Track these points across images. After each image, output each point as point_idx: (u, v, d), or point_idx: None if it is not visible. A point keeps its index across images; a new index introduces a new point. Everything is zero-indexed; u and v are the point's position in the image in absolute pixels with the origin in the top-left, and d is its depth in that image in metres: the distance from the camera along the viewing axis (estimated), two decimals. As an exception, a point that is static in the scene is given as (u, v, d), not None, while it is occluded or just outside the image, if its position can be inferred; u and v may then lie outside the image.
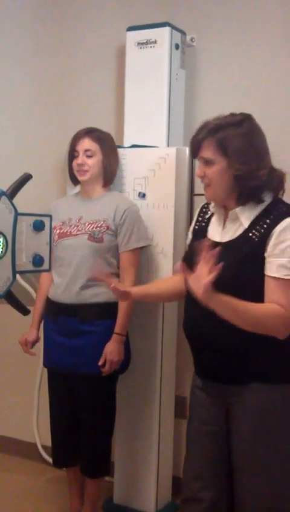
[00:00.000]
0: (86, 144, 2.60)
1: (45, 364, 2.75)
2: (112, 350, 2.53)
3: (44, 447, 3.39)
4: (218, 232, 2.01)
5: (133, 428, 2.90)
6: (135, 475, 2.91)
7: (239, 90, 2.81)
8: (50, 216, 1.94)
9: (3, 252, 1.79)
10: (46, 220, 1.93)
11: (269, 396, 1.94)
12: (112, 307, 2.56)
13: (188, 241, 2.21)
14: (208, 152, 1.93)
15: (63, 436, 2.74)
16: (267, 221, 1.91)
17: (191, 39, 2.84)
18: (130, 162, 2.76)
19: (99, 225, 2.55)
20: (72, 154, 2.64)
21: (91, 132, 2.62)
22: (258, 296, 1.89)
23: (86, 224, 2.58)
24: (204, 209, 2.15)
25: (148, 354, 2.83)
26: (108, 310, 2.57)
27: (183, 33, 2.78)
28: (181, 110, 2.82)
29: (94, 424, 2.65)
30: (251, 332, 1.85)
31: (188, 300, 2.02)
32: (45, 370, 2.80)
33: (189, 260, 1.87)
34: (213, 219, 2.07)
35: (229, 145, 1.90)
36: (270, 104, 2.75)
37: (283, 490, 1.96)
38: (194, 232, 2.15)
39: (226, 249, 1.90)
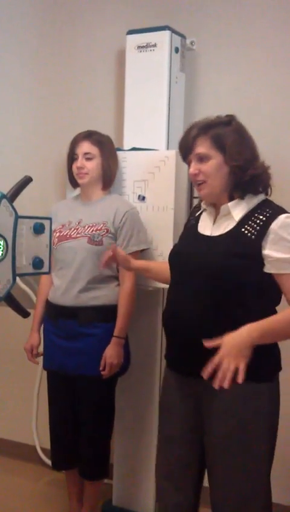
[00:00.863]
0: (86, 147, 2.60)
1: (45, 367, 2.75)
2: (111, 353, 2.54)
3: (43, 450, 3.40)
4: (209, 227, 2.04)
5: (132, 431, 2.91)
6: (133, 477, 2.91)
7: (239, 93, 2.81)
8: (50, 219, 1.95)
9: (3, 254, 1.79)
10: (46, 223, 1.94)
11: (246, 393, 1.94)
12: (112, 310, 2.57)
13: None
14: (203, 148, 1.96)
15: (62, 439, 2.75)
16: (261, 217, 1.92)
17: (191, 43, 2.85)
18: (130, 165, 2.76)
19: (98, 228, 2.56)
20: (72, 158, 2.65)
21: (90, 135, 2.63)
22: (256, 293, 1.92)
23: (86, 227, 2.58)
24: (195, 209, 2.18)
25: (148, 356, 2.83)
26: (107, 313, 2.57)
27: (183, 37, 2.79)
28: (181, 113, 2.83)
29: (93, 426, 2.65)
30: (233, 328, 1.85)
31: (173, 289, 2.08)
32: (44, 372, 2.81)
33: None
34: (203, 215, 2.10)
35: (224, 139, 1.94)
36: (270, 107, 2.76)
37: (254, 487, 1.97)
38: (184, 229, 2.21)
39: (216, 243, 1.96)
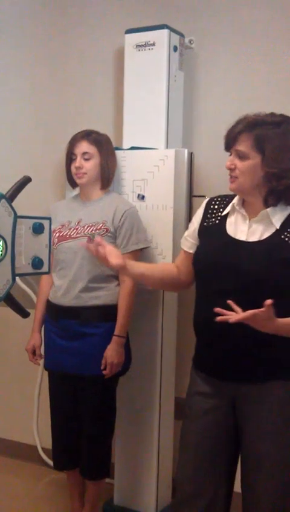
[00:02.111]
0: (84, 146, 2.60)
1: (46, 367, 2.75)
2: (112, 353, 2.54)
3: (44, 450, 3.40)
4: (242, 232, 1.97)
5: (133, 430, 2.90)
6: (135, 477, 2.91)
7: (237, 91, 2.81)
8: (49, 219, 1.94)
9: (3, 254, 1.79)
10: (45, 223, 1.94)
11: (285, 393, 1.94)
12: (112, 310, 2.57)
13: (186, 242, 2.16)
14: (244, 146, 1.92)
15: (63, 439, 2.74)
16: None
17: (190, 41, 2.85)
18: (129, 164, 2.76)
19: (98, 227, 2.56)
20: (70, 157, 2.64)
21: (88, 135, 2.63)
22: None
23: (85, 226, 2.58)
24: (213, 206, 2.10)
25: (148, 356, 2.83)
26: (108, 313, 2.57)
27: (181, 35, 2.79)
28: (180, 112, 2.83)
29: (94, 426, 2.65)
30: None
31: (205, 298, 2.01)
32: (46, 372, 2.81)
33: None
34: (232, 218, 2.03)
35: (267, 143, 1.89)
36: (269, 105, 2.73)
37: None
38: (203, 229, 2.09)
39: (256, 249, 1.91)
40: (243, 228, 1.98)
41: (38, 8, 3.31)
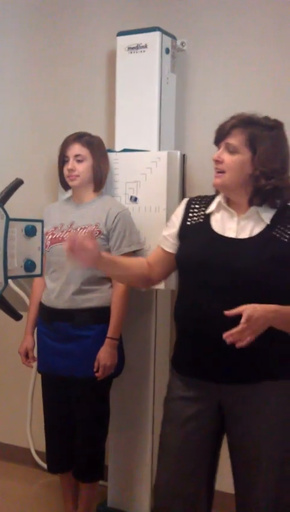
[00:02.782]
0: (76, 149, 2.60)
1: (39, 370, 2.75)
2: (104, 355, 2.53)
3: (38, 452, 3.39)
4: (231, 229, 1.95)
5: (127, 432, 2.90)
6: (129, 479, 2.91)
7: (230, 93, 2.82)
8: (42, 221, 1.94)
9: (-5, 257, 1.79)
10: (37, 225, 1.93)
11: (282, 393, 1.93)
12: (105, 312, 2.57)
13: (166, 241, 2.12)
14: (236, 140, 1.91)
15: (57, 441, 2.74)
16: None
17: (182, 43, 2.85)
18: (122, 166, 2.76)
19: (91, 230, 2.56)
20: (63, 160, 2.64)
21: (81, 137, 2.63)
22: (288, 295, 1.88)
23: (78, 229, 2.58)
24: (194, 206, 2.09)
25: (142, 358, 2.83)
26: (101, 315, 2.57)
27: (173, 37, 2.79)
28: (172, 114, 2.83)
29: (88, 428, 2.65)
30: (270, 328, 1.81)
31: (192, 295, 1.98)
32: (39, 375, 2.80)
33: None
34: (217, 215, 2.01)
35: (259, 142, 1.90)
36: (261, 107, 2.75)
37: None
38: (185, 228, 2.06)
39: (246, 246, 1.90)
40: (231, 225, 1.96)
41: (29, 11, 3.30)
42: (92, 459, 2.68)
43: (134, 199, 2.74)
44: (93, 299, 2.57)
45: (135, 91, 2.76)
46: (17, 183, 1.93)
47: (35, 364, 2.80)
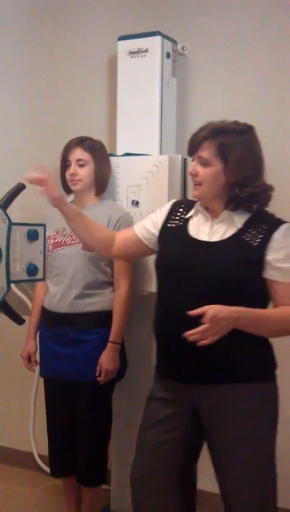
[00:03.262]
0: (78, 153, 2.61)
1: (41, 374, 2.75)
2: (106, 359, 2.54)
3: (41, 457, 3.39)
4: (204, 232, 2.00)
5: (129, 436, 2.89)
6: (132, 483, 2.90)
7: (230, 97, 2.82)
8: (44, 225, 1.95)
9: (-2, 261, 1.80)
10: (39, 230, 1.94)
11: (254, 395, 1.96)
12: (107, 316, 2.57)
13: (143, 230, 2.14)
14: (207, 153, 1.94)
15: (60, 446, 2.74)
16: (264, 226, 1.93)
17: (182, 48, 2.86)
18: (123, 170, 2.77)
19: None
20: (64, 164, 2.65)
21: (82, 141, 2.63)
22: (255, 298, 1.93)
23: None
24: (178, 209, 2.12)
25: (144, 361, 2.83)
26: (103, 319, 2.57)
27: (174, 42, 2.80)
28: (173, 118, 2.84)
29: (91, 432, 2.65)
30: (235, 331, 1.84)
31: (167, 299, 2.03)
32: (41, 379, 2.80)
33: None
34: (195, 219, 2.06)
35: (230, 151, 1.91)
36: (262, 111, 2.77)
37: (268, 487, 1.99)
38: (165, 230, 2.10)
39: (218, 249, 1.94)
40: (205, 229, 2.01)
41: (30, 15, 3.31)
42: (94, 463, 2.68)
43: (136, 203, 2.74)
44: (95, 303, 2.57)
45: (136, 95, 2.76)
46: (20, 188, 1.94)
47: (37, 368, 2.80)
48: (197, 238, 2.00)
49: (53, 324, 2.62)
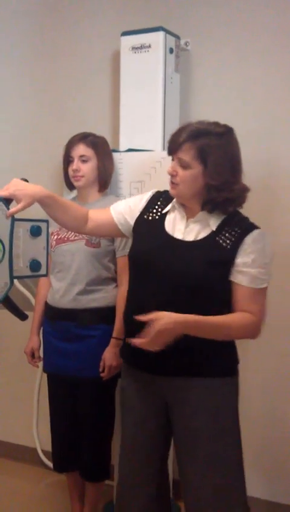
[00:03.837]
0: (81, 149, 2.61)
1: (45, 370, 2.75)
2: (110, 355, 2.54)
3: (44, 452, 3.40)
4: (179, 230, 2.03)
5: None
6: (135, 478, 2.91)
7: (233, 93, 2.82)
8: (47, 221, 1.95)
9: (1, 257, 1.80)
10: (43, 226, 1.94)
11: (214, 389, 2.01)
12: (110, 312, 2.57)
13: (119, 215, 2.14)
14: (186, 155, 1.95)
15: (63, 441, 2.75)
16: (237, 229, 1.97)
17: (186, 43, 2.85)
18: (126, 166, 2.77)
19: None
20: (67, 160, 2.65)
21: (85, 137, 2.63)
22: (222, 300, 1.97)
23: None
24: (157, 201, 2.14)
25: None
26: (106, 315, 2.57)
27: (177, 37, 2.79)
28: (176, 113, 2.83)
29: (94, 428, 2.66)
30: None
31: (136, 292, 2.08)
32: (45, 374, 2.81)
33: None
34: (172, 215, 2.08)
35: (209, 154, 1.93)
36: (265, 107, 2.77)
37: (229, 477, 2.02)
38: (141, 221, 2.12)
39: (192, 249, 1.97)
40: (180, 227, 2.03)
41: (32, 10, 3.31)
42: (97, 458, 2.69)
43: (139, 199, 2.74)
44: (98, 299, 2.57)
45: (139, 91, 2.76)
46: (22, 183, 1.94)
47: (41, 364, 2.81)
48: (173, 235, 2.03)
49: (56, 320, 2.63)
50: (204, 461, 2.00)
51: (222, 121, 2.01)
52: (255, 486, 2.84)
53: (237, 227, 1.97)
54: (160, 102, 2.73)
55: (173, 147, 1.99)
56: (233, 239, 1.95)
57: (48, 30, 3.28)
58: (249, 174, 2.05)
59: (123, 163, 2.77)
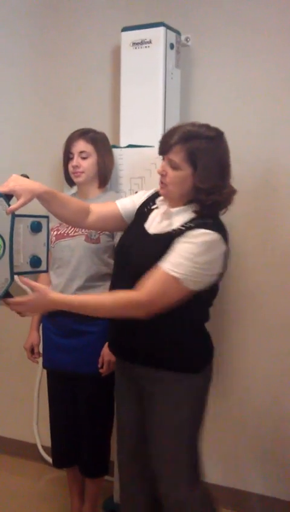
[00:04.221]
0: (81, 145, 2.60)
1: (44, 365, 2.75)
2: (108, 351, 2.54)
3: (44, 448, 3.40)
4: (152, 224, 2.09)
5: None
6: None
7: (234, 89, 2.81)
8: (47, 217, 1.95)
9: (1, 253, 1.80)
10: (43, 221, 1.94)
11: (177, 384, 2.06)
12: (110, 307, 2.57)
13: (125, 206, 2.21)
14: (176, 157, 1.97)
15: (62, 437, 2.75)
16: (191, 224, 1.98)
17: (186, 39, 2.85)
18: (127, 162, 2.76)
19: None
20: (67, 156, 2.65)
21: (85, 133, 2.63)
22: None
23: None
24: (155, 198, 2.18)
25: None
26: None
27: (178, 33, 2.79)
28: (177, 109, 2.83)
29: (93, 423, 2.66)
30: (163, 319, 1.95)
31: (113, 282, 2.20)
32: (44, 370, 2.81)
33: None
34: (156, 211, 2.13)
35: (199, 157, 1.94)
36: (266, 103, 2.76)
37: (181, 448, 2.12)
38: (137, 213, 2.19)
39: (151, 241, 2.03)
40: (154, 222, 2.10)
41: (32, 6, 3.30)
42: (97, 454, 2.69)
43: (139, 195, 2.74)
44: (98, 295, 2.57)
45: (140, 86, 2.75)
46: (23, 180, 1.93)
47: (41, 360, 2.81)
48: (147, 229, 2.08)
49: (55, 316, 2.62)
50: (157, 452, 2.12)
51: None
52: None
53: (192, 222, 1.98)
54: (160, 98, 2.73)
55: (164, 148, 2.02)
56: (183, 228, 1.97)
57: (47, 26, 3.27)
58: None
59: (123, 159, 2.76)
